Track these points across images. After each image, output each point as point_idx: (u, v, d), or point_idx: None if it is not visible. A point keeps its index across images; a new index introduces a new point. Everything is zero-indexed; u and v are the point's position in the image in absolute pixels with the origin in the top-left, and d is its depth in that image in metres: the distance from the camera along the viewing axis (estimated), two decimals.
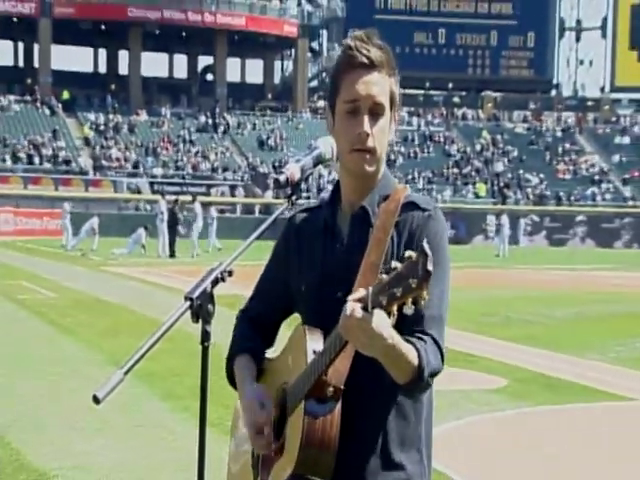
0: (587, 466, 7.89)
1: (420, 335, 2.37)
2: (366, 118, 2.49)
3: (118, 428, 8.64)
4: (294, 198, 2.57)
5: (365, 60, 2.49)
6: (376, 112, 2.51)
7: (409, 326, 2.32)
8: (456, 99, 74.66)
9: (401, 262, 2.09)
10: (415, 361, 2.29)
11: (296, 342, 2.50)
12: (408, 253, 2.08)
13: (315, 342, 2.42)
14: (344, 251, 2.52)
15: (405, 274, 2.06)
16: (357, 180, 2.54)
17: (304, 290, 2.58)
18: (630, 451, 8.46)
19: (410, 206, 2.50)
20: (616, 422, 9.70)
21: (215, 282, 2.40)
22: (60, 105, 64.52)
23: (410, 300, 2.07)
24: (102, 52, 77.07)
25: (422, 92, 73.99)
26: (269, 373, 2.63)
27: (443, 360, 2.41)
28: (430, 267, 2.03)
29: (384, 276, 2.10)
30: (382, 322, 2.13)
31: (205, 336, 2.40)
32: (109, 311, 17.71)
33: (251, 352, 2.66)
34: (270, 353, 2.72)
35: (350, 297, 2.17)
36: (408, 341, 2.30)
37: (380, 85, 2.52)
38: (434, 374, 2.36)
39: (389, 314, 2.12)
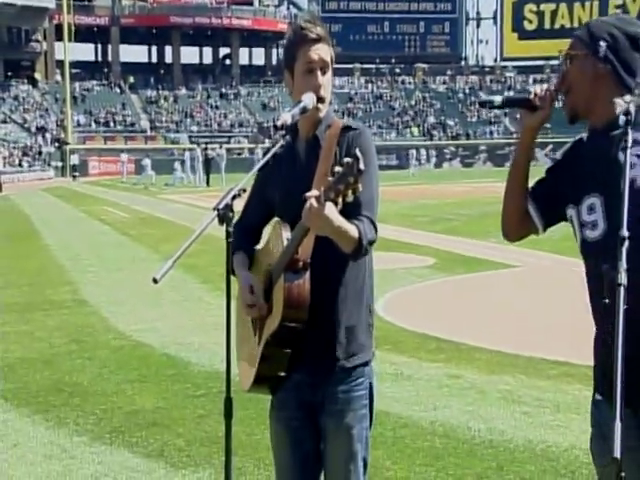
0: (493, 310, 7.94)
1: (359, 217, 2.32)
2: (319, 73, 2.46)
3: (173, 302, 8.64)
4: (287, 137, 2.47)
5: (315, 36, 2.45)
6: (324, 69, 2.47)
7: (352, 210, 2.26)
8: (397, 70, 73.73)
9: (341, 166, 2.04)
10: (356, 235, 2.25)
11: (274, 234, 2.46)
12: (345, 159, 2.04)
13: (287, 232, 2.38)
14: (302, 167, 2.48)
15: (345, 174, 2.02)
16: (310, 120, 2.49)
17: (278, 198, 2.53)
18: (517, 295, 8.52)
19: (346, 129, 2.46)
20: (508, 281, 9.75)
21: (234, 197, 2.30)
22: (127, 86, 63.89)
23: (350, 192, 2.04)
24: (154, 48, 75.77)
25: (374, 66, 73.13)
26: (258, 258, 2.58)
27: (376, 232, 2.36)
28: (362, 166, 2.00)
29: (330, 178, 2.06)
30: (331, 210, 2.11)
31: (228, 234, 2.30)
32: (164, 225, 17.64)
33: (244, 249, 2.61)
34: (258, 246, 2.66)
35: (308, 194, 2.13)
36: (351, 222, 2.26)
37: (324, 51, 2.47)
38: (371, 243, 2.33)
39: (336, 204, 2.08)
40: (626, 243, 1.98)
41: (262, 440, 4.32)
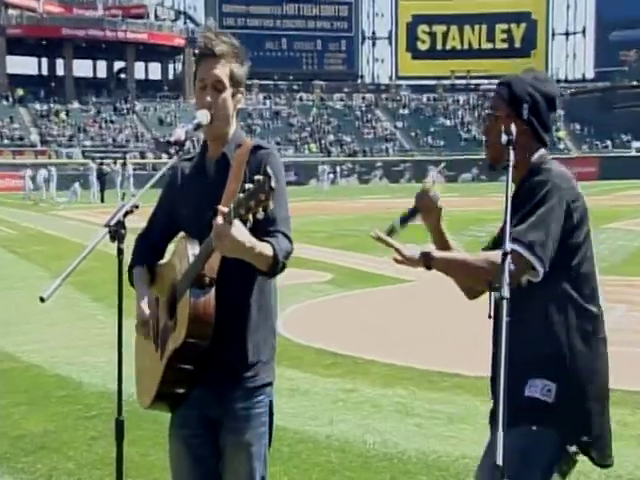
0: (389, 324, 8.08)
1: (273, 233, 2.33)
2: (210, 91, 2.43)
3: (64, 322, 8.39)
4: (180, 153, 2.47)
5: (209, 52, 2.43)
6: (218, 88, 2.44)
7: (266, 227, 2.28)
8: (295, 87, 74.28)
9: (252, 183, 2.04)
10: (270, 253, 2.26)
11: (180, 250, 2.43)
12: (256, 177, 2.04)
13: (194, 248, 2.36)
14: (211, 184, 2.46)
15: (256, 190, 2.03)
16: (218, 138, 2.49)
17: (185, 213, 2.51)
18: (411, 309, 8.70)
19: (256, 148, 2.46)
20: (404, 295, 9.94)
21: (126, 214, 2.31)
22: (15, 99, 61.72)
23: (260, 209, 2.04)
24: (44, 60, 73.72)
25: (272, 82, 73.47)
26: (162, 274, 2.55)
27: (292, 244, 2.38)
28: (274, 184, 2.02)
29: (241, 195, 2.06)
30: (240, 232, 2.11)
31: (119, 252, 2.32)
32: (55, 242, 17.07)
33: (146, 263, 2.58)
34: (162, 261, 2.62)
35: (218, 216, 2.11)
36: (265, 240, 2.27)
37: (220, 69, 2.43)
38: (287, 255, 2.34)
39: (246, 221, 2.08)
40: (508, 258, 2.08)
41: (156, 461, 4.25)
